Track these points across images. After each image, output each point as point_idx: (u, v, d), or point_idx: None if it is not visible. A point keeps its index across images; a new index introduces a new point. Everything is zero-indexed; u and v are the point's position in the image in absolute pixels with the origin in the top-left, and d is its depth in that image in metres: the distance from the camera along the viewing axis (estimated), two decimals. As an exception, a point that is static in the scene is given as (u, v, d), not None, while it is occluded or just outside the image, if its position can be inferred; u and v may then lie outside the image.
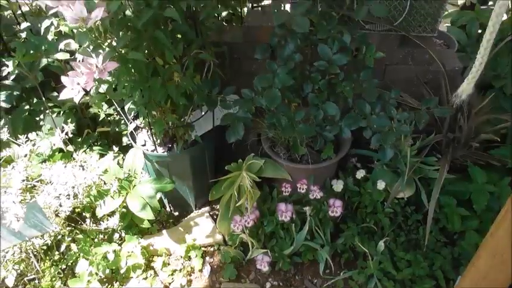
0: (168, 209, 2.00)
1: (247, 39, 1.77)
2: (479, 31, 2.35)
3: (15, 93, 1.88)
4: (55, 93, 1.92)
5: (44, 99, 1.80)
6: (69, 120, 1.88)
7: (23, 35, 1.76)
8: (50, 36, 1.72)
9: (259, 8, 1.96)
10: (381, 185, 1.69)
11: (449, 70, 1.75)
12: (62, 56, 1.62)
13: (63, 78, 1.24)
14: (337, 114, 1.56)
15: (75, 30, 1.37)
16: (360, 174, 1.78)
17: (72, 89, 1.21)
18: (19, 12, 1.92)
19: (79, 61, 1.33)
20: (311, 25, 1.46)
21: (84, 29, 1.19)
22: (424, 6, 1.61)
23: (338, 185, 1.76)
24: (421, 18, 1.65)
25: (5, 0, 1.81)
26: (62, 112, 1.90)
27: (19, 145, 1.65)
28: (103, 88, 1.49)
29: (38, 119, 1.91)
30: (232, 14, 2.07)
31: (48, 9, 1.19)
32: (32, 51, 1.68)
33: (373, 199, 1.74)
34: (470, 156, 1.73)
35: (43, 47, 1.70)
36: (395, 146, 1.54)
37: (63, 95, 1.24)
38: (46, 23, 1.45)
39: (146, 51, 1.41)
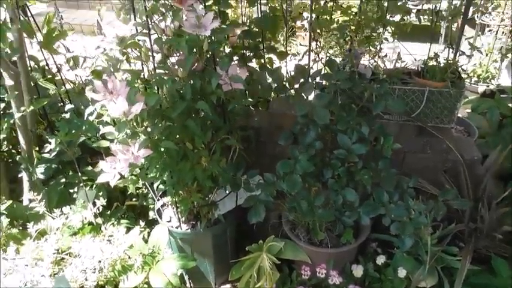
0: (188, 285, 2.01)
1: (272, 125, 1.89)
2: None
3: (53, 166, 2.03)
4: (89, 167, 2.05)
5: (79, 173, 1.93)
6: (100, 194, 1.98)
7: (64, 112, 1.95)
8: (91, 117, 1.89)
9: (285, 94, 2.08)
10: (401, 272, 1.67)
11: (468, 159, 1.78)
12: (103, 143, 1.80)
13: (102, 163, 1.35)
14: (356, 201, 1.60)
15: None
16: (381, 260, 1.77)
17: (109, 173, 1.32)
18: (62, 88, 2.12)
19: (116, 144, 1.46)
20: (331, 115, 1.56)
21: (124, 119, 1.32)
22: (441, 99, 1.70)
23: (358, 270, 1.75)
24: (438, 110, 1.73)
25: (54, 86, 2.02)
26: (94, 185, 2.02)
27: (53, 218, 1.75)
28: (136, 171, 1.60)
29: (72, 191, 2.03)
30: (259, 98, 2.21)
31: (94, 102, 1.34)
32: (73, 131, 1.84)
33: (394, 286, 1.71)
34: (493, 247, 1.70)
35: (84, 127, 1.87)
36: (415, 234, 1.55)
37: (101, 179, 1.35)
38: (89, 109, 1.61)
39: (178, 136, 1.53)
